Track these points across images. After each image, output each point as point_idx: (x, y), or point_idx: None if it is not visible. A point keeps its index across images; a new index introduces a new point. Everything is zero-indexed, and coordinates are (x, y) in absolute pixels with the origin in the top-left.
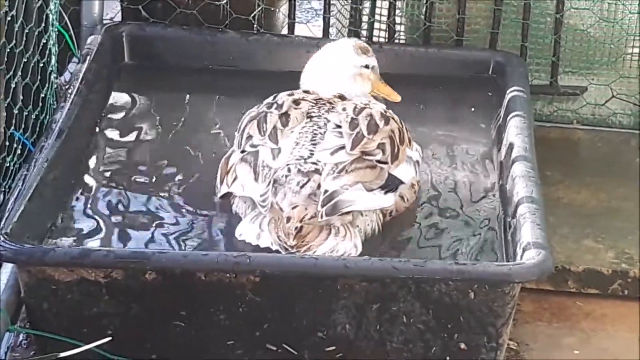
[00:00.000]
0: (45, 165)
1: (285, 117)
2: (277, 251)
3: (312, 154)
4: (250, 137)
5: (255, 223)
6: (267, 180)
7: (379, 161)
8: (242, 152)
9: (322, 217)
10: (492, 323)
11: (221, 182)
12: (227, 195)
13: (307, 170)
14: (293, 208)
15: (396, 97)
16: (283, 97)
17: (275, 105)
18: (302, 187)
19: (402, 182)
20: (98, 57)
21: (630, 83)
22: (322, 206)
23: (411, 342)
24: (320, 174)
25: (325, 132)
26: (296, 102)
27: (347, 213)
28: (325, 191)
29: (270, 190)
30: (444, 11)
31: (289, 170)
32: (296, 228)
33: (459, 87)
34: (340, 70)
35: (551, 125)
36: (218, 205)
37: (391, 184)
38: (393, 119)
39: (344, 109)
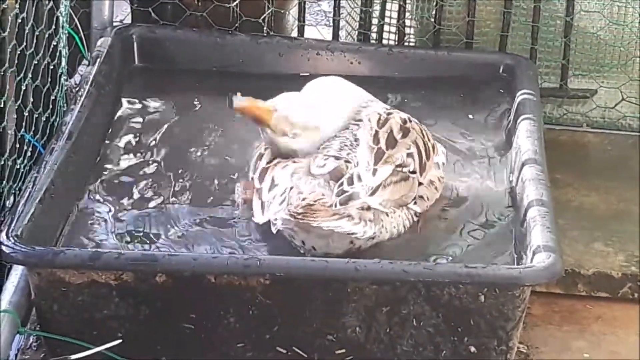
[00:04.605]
0: (56, 168)
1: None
2: (286, 220)
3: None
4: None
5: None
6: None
7: (410, 171)
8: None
9: (335, 205)
10: (502, 326)
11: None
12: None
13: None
14: (311, 193)
15: None
16: None
17: None
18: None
19: None
20: (108, 59)
21: None
22: (338, 196)
23: (421, 346)
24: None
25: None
26: None
27: (367, 210)
28: (345, 191)
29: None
30: (453, 14)
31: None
32: (308, 204)
33: (469, 89)
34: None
35: (561, 128)
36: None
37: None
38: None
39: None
